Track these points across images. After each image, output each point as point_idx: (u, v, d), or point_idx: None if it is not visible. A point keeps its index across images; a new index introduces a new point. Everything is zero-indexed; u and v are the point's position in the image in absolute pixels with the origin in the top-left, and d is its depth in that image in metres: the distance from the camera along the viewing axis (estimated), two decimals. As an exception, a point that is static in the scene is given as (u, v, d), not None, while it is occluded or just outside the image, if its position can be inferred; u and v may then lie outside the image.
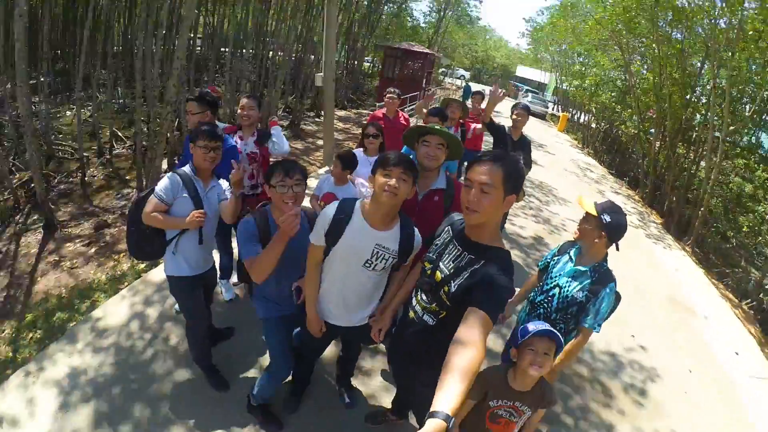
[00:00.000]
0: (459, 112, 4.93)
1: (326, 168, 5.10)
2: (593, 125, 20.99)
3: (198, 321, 2.87)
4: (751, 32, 7.85)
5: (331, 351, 3.21)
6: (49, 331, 3.48)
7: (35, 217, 5.64)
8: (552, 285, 2.43)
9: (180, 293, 2.82)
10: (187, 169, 2.58)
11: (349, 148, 3.65)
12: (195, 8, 5.52)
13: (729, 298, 6.96)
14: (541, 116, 26.87)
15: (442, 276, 1.75)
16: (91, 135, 8.77)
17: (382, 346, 3.43)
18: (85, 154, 7.35)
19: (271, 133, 3.58)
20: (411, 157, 2.03)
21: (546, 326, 1.87)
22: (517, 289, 2.85)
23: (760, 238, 9.50)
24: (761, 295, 7.47)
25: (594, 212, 2.29)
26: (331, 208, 2.01)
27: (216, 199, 2.65)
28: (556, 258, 2.56)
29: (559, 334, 1.87)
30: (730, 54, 8.19)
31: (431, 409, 1.12)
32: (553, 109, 31.98)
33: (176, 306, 3.65)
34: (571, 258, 2.44)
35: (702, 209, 9.18)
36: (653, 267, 7.09)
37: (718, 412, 3.93)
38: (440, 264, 1.79)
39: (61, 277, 4.45)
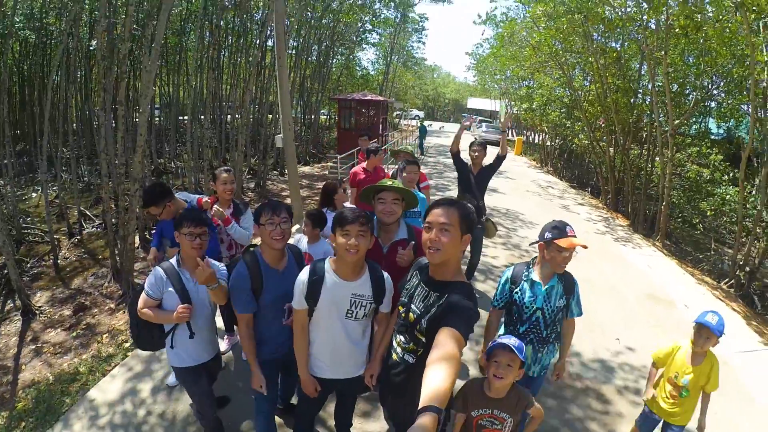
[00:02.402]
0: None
1: (297, 227, 5.13)
2: (548, 143, 21.79)
3: (206, 407, 2.84)
4: (677, 29, 8.50)
5: (327, 405, 3.19)
6: (41, 419, 3.36)
7: (11, 305, 5.50)
8: (531, 312, 2.54)
9: (186, 382, 2.78)
10: (173, 260, 2.52)
11: (316, 208, 3.64)
12: (153, 84, 5.66)
13: (707, 282, 7.20)
14: (498, 143, 27.45)
15: (415, 316, 1.91)
16: (59, 216, 8.64)
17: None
18: (55, 236, 7.23)
19: (225, 228, 3.51)
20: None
21: (508, 340, 1.99)
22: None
23: (725, 218, 9.93)
24: (737, 272, 7.75)
25: (583, 245, 2.39)
26: (304, 274, 2.14)
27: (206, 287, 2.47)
28: (516, 291, 2.60)
29: (520, 348, 1.99)
30: (662, 53, 8.79)
31: (420, 406, 1.17)
32: (507, 134, 32.76)
33: (167, 380, 3.62)
34: (532, 282, 2.55)
35: (664, 204, 9.55)
36: (625, 268, 7.24)
37: (717, 394, 3.97)
38: (412, 305, 1.95)
39: (46, 364, 4.29)
